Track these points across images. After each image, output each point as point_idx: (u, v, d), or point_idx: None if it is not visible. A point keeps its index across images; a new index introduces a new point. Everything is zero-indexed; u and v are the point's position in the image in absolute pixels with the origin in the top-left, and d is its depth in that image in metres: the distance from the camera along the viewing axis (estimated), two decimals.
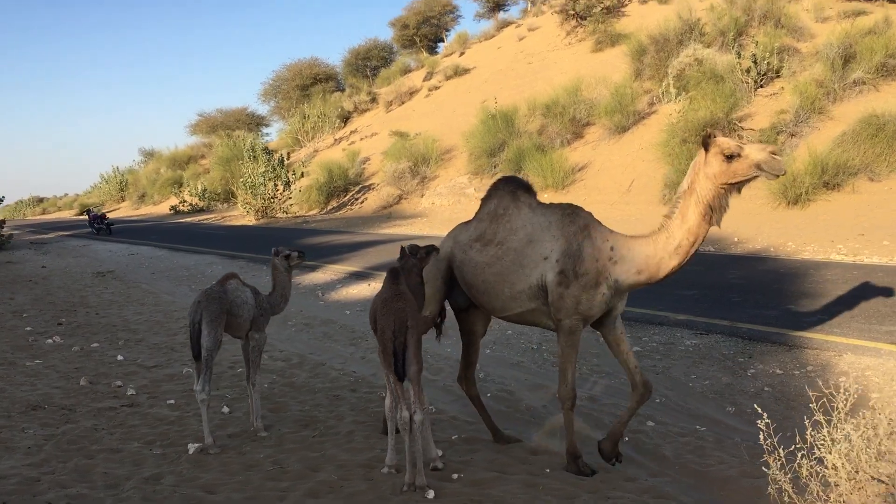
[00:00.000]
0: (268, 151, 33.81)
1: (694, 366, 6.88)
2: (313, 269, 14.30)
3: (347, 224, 24.60)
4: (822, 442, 2.84)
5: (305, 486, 4.52)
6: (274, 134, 54.93)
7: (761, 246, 12.49)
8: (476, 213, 5.15)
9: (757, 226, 13.96)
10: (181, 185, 46.09)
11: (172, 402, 6.51)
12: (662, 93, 23.06)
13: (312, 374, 7.37)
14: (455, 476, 4.59)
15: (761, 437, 3.07)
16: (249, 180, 30.16)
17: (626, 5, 35.01)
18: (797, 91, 18.67)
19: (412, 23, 51.21)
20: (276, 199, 30.14)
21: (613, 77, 25.51)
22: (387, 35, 62.11)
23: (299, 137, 43.26)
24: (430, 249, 5.01)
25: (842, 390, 2.97)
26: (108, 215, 33.27)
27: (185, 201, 41.40)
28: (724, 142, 4.18)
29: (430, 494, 4.27)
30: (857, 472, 2.62)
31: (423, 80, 41.98)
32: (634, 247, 4.48)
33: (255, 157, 32.59)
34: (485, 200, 5.13)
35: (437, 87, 39.96)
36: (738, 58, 21.50)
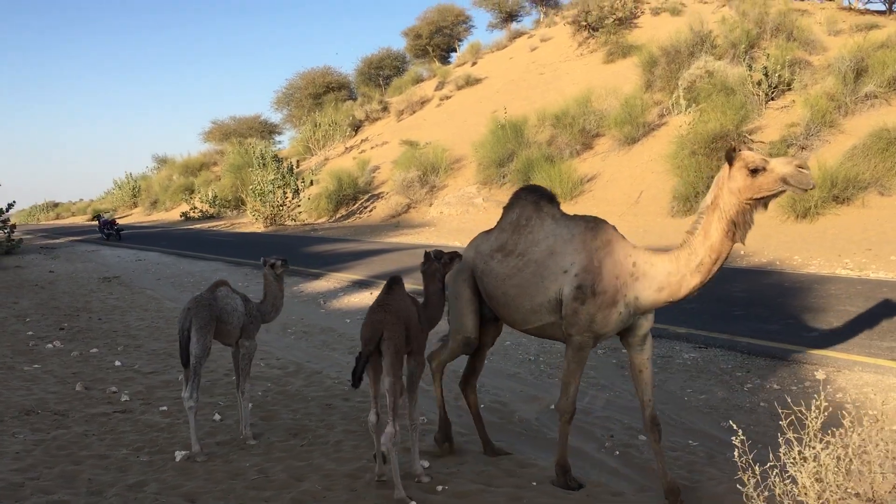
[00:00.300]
0: (277, 159, 33.93)
1: (691, 380, 6.80)
2: (317, 277, 14.30)
3: (355, 232, 24.62)
4: (793, 461, 2.78)
5: (288, 495, 4.49)
6: (286, 142, 55.21)
7: (767, 259, 12.38)
8: (498, 223, 5.04)
9: (764, 239, 13.85)
10: (193, 191, 46.34)
11: (165, 408, 6.49)
12: (672, 104, 23.00)
13: (307, 383, 7.34)
14: (440, 488, 4.54)
15: (736, 453, 3.01)
16: (258, 188, 30.28)
17: (639, 17, 35.04)
18: (808, 104, 18.57)
19: (425, 32, 51.42)
20: (284, 207, 30.22)
21: (624, 88, 25.48)
22: (400, 44, 62.47)
23: (310, 145, 43.41)
24: (454, 256, 4.97)
25: (812, 408, 2.91)
26: (119, 221, 33.48)
27: (195, 208, 41.62)
28: (748, 155, 4.03)
29: None
30: (824, 491, 2.56)
31: (435, 90, 42.10)
32: (657, 263, 4.33)
33: (264, 164, 32.72)
34: (507, 210, 5.02)
35: (448, 97, 40.06)
36: (750, 70, 21.42)
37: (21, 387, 7.26)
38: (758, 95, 20.71)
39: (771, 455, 3.10)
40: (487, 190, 25.10)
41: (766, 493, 2.95)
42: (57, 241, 31.53)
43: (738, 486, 3.05)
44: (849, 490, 2.53)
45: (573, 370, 4.50)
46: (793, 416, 3.04)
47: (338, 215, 30.33)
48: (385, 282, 4.81)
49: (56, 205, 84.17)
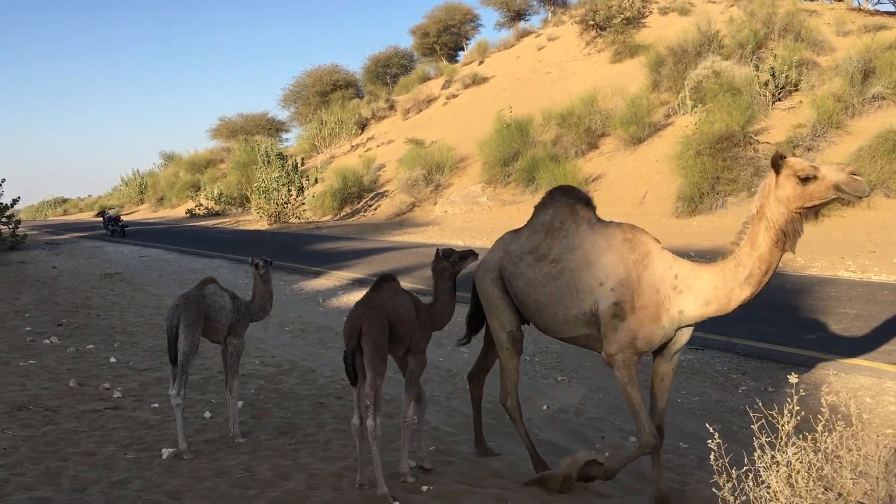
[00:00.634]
0: (282, 157, 33.95)
1: (686, 381, 6.74)
2: (317, 275, 14.28)
3: (359, 230, 24.60)
4: (765, 466, 2.73)
5: (272, 494, 4.45)
6: (293, 140, 55.28)
7: None
8: (528, 222, 4.77)
9: None
10: (199, 188, 46.43)
11: (156, 405, 6.48)
12: (679, 104, 22.89)
13: (301, 381, 7.31)
14: (424, 488, 4.50)
15: (712, 457, 2.97)
16: (263, 185, 30.29)
17: (647, 16, 34.87)
18: (815, 105, 18.45)
19: (433, 31, 51.30)
20: (289, 205, 30.23)
21: (631, 88, 25.38)
22: (407, 43, 62.30)
23: (316, 143, 43.42)
24: (467, 254, 4.88)
25: (785, 412, 2.87)
26: (125, 218, 33.56)
27: (201, 205, 41.69)
28: (797, 163, 3.84)
29: None
30: (794, 496, 2.51)
31: (442, 89, 42.04)
32: (703, 275, 4.13)
33: (268, 161, 32.73)
34: (539, 209, 4.75)
35: (454, 96, 40.00)
36: (757, 70, 21.29)
37: (15, 382, 7.25)
38: (764, 96, 20.58)
39: (746, 459, 3.06)
40: (492, 189, 25.06)
41: (744, 498, 2.90)
42: (62, 236, 31.61)
43: (713, 489, 3.00)
44: (819, 496, 2.48)
45: (632, 394, 4.20)
46: (782, 420, 2.99)
47: (342, 213, 30.32)
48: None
49: (64, 200, 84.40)
